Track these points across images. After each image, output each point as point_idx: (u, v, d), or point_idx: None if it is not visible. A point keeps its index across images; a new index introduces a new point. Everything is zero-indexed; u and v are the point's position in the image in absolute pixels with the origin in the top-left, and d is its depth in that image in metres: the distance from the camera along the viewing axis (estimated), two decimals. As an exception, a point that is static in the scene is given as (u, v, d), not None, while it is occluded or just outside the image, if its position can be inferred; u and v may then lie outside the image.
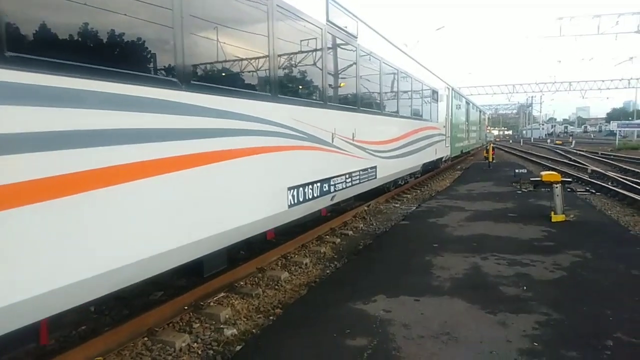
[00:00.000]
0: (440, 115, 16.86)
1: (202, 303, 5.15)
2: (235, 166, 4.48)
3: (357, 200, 11.72)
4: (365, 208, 11.26)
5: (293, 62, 6.13)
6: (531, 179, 14.48)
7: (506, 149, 45.05)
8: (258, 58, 5.14)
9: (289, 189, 5.58)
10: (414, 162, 13.04)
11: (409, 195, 13.91)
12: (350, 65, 8.08)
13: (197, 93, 3.95)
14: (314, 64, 6.66)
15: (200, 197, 4.03)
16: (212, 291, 5.48)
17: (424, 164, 14.88)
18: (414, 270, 5.85)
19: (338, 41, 7.45)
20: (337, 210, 10.29)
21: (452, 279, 5.46)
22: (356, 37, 8.16)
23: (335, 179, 6.97)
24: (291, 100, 5.77)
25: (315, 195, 6.32)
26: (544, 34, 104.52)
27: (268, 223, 5.50)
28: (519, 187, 14.20)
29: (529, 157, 30.78)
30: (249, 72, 5.12)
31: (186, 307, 5.04)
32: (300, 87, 6.42)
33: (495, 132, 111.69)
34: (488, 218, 9.27)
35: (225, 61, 4.65)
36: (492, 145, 22.69)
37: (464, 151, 25.92)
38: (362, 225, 9.64)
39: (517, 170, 14.86)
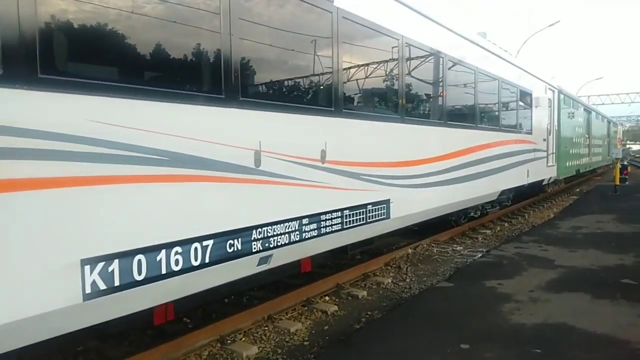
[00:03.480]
0: (536, 124, 12.86)
1: None
2: None
3: (412, 235, 8.90)
4: (410, 251, 8.27)
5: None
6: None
7: (646, 168, 37.16)
8: None
9: (88, 262, 2.82)
10: (482, 189, 9.28)
11: (487, 231, 10.46)
12: (316, 20, 4.73)
13: None
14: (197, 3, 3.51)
15: None
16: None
17: (504, 191, 11.05)
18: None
19: None
20: (369, 252, 7.51)
21: None
22: None
23: (265, 229, 4.09)
24: (89, 85, 2.88)
25: (195, 262, 3.46)
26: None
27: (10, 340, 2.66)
28: (653, 226, 10.03)
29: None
30: None
31: None
32: (134, 44, 3.25)
33: (636, 147, 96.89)
34: (584, 286, 5.81)
35: None
36: (619, 163, 17.66)
37: (581, 170, 20.91)
38: (390, 280, 6.73)
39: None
